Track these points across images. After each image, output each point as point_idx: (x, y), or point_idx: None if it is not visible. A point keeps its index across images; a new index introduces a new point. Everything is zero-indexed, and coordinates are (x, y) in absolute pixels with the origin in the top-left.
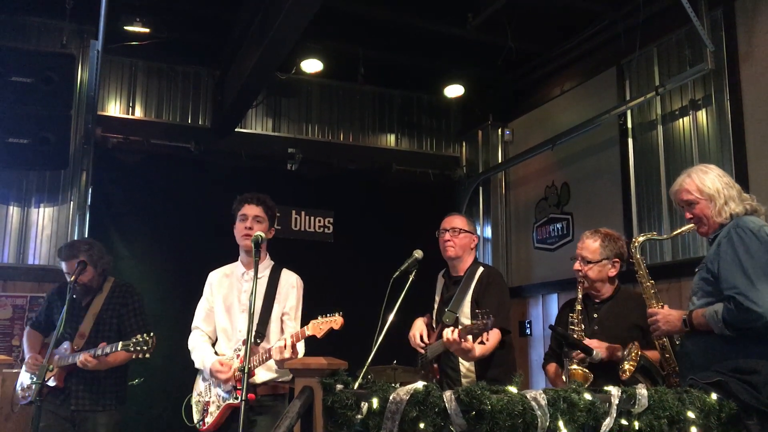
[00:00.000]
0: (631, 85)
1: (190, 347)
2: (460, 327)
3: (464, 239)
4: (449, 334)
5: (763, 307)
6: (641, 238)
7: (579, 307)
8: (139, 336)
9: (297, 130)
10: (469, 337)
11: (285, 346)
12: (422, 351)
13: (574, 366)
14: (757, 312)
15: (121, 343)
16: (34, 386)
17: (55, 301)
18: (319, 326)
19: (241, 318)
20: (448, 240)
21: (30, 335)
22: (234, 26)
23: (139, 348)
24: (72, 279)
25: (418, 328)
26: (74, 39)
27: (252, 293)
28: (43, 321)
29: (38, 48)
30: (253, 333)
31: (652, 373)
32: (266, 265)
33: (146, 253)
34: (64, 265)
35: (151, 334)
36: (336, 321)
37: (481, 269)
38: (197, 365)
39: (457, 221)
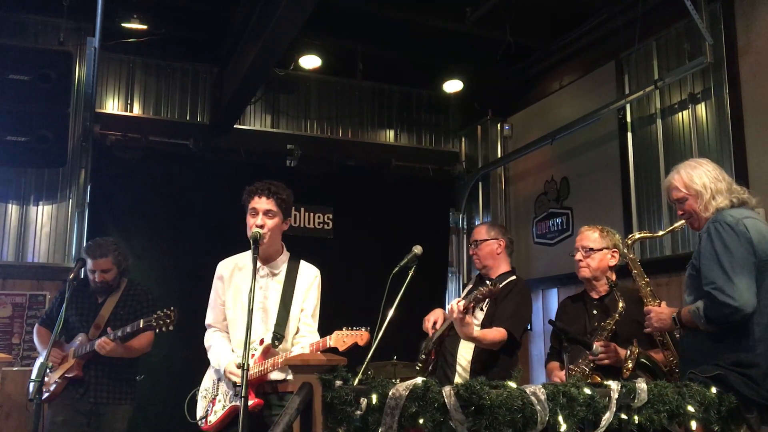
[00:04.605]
0: (630, 79)
1: (206, 345)
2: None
3: (486, 248)
4: (455, 304)
5: (738, 301)
6: (636, 236)
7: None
8: (159, 312)
9: (296, 127)
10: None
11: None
12: (431, 333)
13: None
14: (732, 306)
15: (142, 320)
16: (32, 384)
17: (72, 298)
18: (343, 339)
19: (256, 317)
20: (473, 254)
21: (41, 333)
22: (232, 22)
23: (161, 322)
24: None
25: (435, 314)
26: (71, 36)
27: (251, 290)
28: (55, 317)
29: (35, 45)
30: (268, 334)
31: (653, 369)
32: (283, 260)
33: (146, 251)
34: (90, 263)
35: (171, 308)
36: (362, 336)
37: (512, 278)
38: (213, 364)
39: (477, 233)
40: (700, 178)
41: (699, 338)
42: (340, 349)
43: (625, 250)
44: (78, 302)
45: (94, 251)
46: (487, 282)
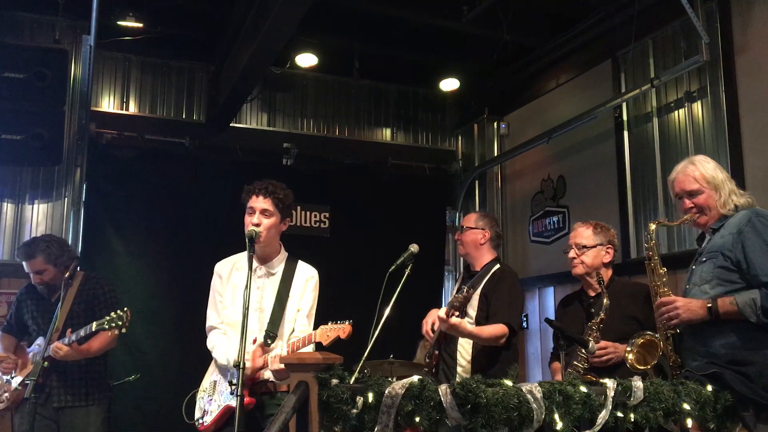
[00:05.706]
0: (627, 78)
1: (210, 346)
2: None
3: (470, 236)
4: (440, 312)
5: None
6: (653, 225)
7: (593, 310)
8: (112, 313)
9: (292, 125)
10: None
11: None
12: (431, 337)
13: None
14: None
15: (95, 323)
16: (28, 383)
17: (23, 301)
18: (327, 333)
19: (253, 317)
20: (457, 239)
21: (2, 339)
22: (228, 21)
23: (114, 324)
24: (67, 275)
25: (432, 316)
26: (67, 34)
27: (247, 288)
28: (14, 324)
29: (31, 43)
30: (263, 333)
31: (664, 370)
32: (281, 259)
33: (142, 249)
34: (25, 265)
35: (125, 309)
36: (344, 329)
37: (497, 266)
38: (221, 361)
39: (465, 219)
40: (716, 173)
41: (741, 330)
42: (324, 343)
43: (648, 237)
44: (33, 305)
45: (24, 253)
46: (463, 287)
